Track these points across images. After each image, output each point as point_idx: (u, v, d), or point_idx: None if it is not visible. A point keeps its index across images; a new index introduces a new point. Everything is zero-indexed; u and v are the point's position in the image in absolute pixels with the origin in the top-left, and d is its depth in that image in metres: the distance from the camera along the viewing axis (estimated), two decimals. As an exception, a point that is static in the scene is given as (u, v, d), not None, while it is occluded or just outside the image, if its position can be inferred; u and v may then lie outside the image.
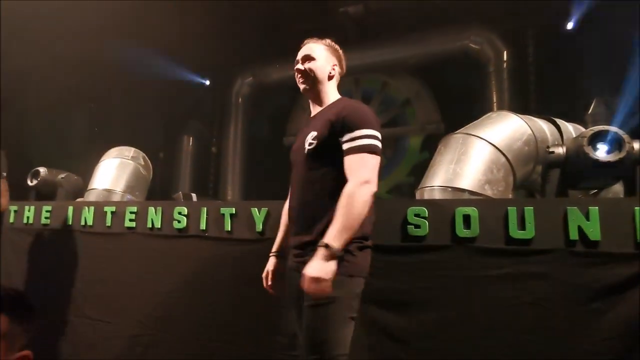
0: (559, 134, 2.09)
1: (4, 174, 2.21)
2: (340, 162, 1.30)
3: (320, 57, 1.48)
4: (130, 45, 4.69)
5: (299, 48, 1.55)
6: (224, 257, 2.19)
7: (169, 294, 2.27)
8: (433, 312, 1.73)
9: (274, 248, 1.61)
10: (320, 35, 1.58)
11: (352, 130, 1.29)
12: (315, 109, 1.51)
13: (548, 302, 1.58)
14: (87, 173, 3.37)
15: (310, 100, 1.53)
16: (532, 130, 2.02)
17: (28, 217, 2.85)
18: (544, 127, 2.10)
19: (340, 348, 1.26)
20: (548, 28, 4.69)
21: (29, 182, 3.27)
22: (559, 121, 2.22)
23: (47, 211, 2.80)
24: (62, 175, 3.32)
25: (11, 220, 2.92)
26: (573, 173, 1.83)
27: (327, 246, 1.19)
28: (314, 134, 1.36)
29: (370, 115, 1.35)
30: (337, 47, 1.54)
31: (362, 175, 1.25)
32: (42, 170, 3.27)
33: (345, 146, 1.30)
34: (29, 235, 2.83)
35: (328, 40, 1.54)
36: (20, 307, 0.80)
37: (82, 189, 3.26)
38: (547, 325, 1.57)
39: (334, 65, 1.50)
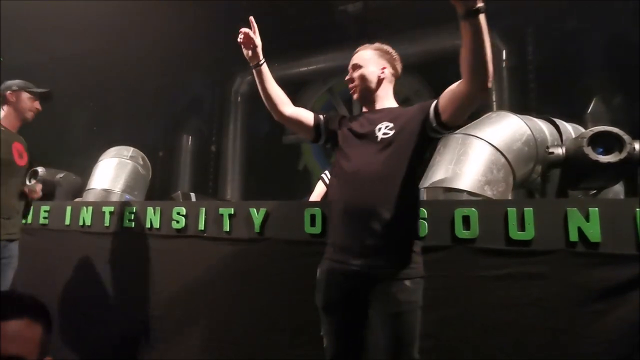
0: (559, 134, 2.09)
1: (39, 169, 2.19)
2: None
3: (370, 62, 1.49)
4: (130, 43, 4.67)
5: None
6: (223, 257, 2.19)
7: (168, 293, 2.27)
8: (432, 313, 1.72)
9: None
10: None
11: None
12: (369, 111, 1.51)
13: (548, 303, 1.57)
14: (85, 172, 3.36)
15: (363, 106, 1.53)
16: (531, 131, 2.01)
17: (26, 217, 2.85)
18: (544, 127, 2.09)
19: (417, 350, 1.30)
20: (547, 26, 4.67)
21: (27, 182, 3.26)
22: (558, 121, 2.22)
23: (45, 211, 2.80)
24: (61, 175, 3.31)
25: (10, 220, 2.91)
26: (573, 174, 1.82)
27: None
28: (389, 125, 1.36)
29: None
30: (387, 49, 1.54)
31: None
32: (41, 169, 3.26)
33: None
34: (27, 235, 2.81)
35: (377, 44, 1.53)
36: (46, 315, 0.82)
37: (80, 188, 3.25)
38: (547, 326, 1.56)
39: (383, 68, 1.50)
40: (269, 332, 1.96)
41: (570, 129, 2.17)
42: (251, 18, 1.50)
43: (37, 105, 2.11)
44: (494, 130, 2.02)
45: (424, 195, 1.99)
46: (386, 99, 1.50)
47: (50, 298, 2.58)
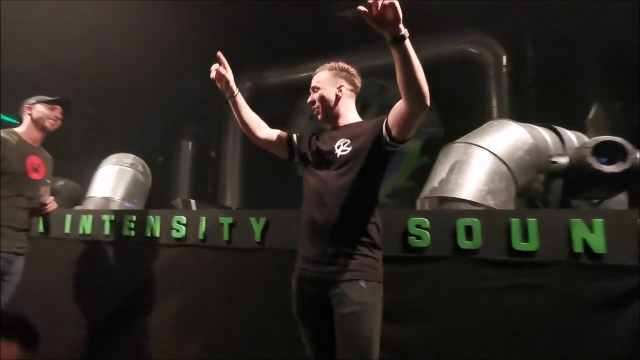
0: (561, 143, 2.08)
1: (48, 180, 2.19)
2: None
3: (326, 83, 1.57)
4: (127, 49, 4.67)
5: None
6: (223, 266, 2.17)
7: (167, 303, 2.25)
8: (434, 324, 1.71)
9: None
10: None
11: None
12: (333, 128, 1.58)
13: (551, 316, 1.56)
14: (85, 179, 3.35)
15: (328, 124, 1.59)
16: (533, 139, 2.00)
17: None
18: (546, 135, 2.08)
19: (377, 353, 1.33)
20: (546, 32, 4.69)
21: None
22: (560, 129, 2.21)
23: (44, 220, 2.77)
24: (61, 183, 3.30)
25: (8, 228, 2.89)
26: (576, 183, 1.81)
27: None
28: (347, 141, 1.44)
29: None
30: (342, 66, 1.60)
31: None
32: (40, 177, 3.24)
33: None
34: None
35: (332, 64, 1.60)
36: (28, 334, 0.82)
37: (80, 196, 3.23)
38: (550, 338, 1.55)
39: (340, 87, 1.57)
40: (269, 341, 1.94)
41: (572, 137, 2.16)
42: (219, 54, 1.61)
43: (56, 113, 2.12)
44: (496, 138, 2.01)
45: (425, 205, 1.98)
46: (348, 114, 1.57)
47: (48, 306, 2.56)
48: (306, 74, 5.78)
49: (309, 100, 1.60)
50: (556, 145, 2.09)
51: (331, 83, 1.57)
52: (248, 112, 1.70)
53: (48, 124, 2.09)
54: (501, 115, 4.46)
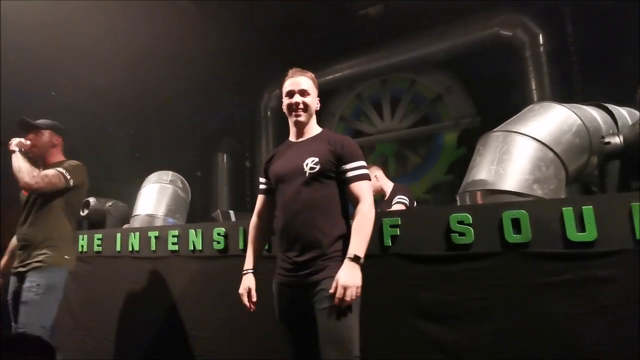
0: (613, 122, 1.90)
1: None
2: (334, 186, 1.50)
3: (313, 92, 1.61)
4: (162, 70, 4.88)
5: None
6: (264, 274, 2.19)
7: (215, 314, 2.30)
8: (488, 324, 1.62)
9: (251, 265, 1.66)
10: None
11: (354, 160, 1.51)
12: (298, 137, 1.62)
13: (619, 310, 1.42)
14: (131, 198, 3.52)
15: (296, 129, 1.62)
16: (582, 120, 1.85)
17: (82, 246, 3.02)
18: (595, 114, 1.92)
19: (358, 349, 1.38)
20: (586, 3, 4.36)
21: (81, 213, 3.47)
22: (611, 106, 2.03)
23: (98, 239, 2.94)
24: (109, 204, 3.49)
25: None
26: (634, 163, 1.65)
27: (356, 257, 1.38)
28: (314, 159, 1.49)
29: (359, 148, 1.57)
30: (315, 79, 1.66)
31: (370, 199, 1.49)
32: (92, 200, 3.45)
33: (350, 174, 1.50)
34: (85, 264, 2.98)
35: (310, 73, 1.64)
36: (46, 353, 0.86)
37: (128, 215, 3.40)
38: (620, 335, 1.41)
39: (318, 99, 1.64)
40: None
41: (625, 114, 1.97)
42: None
43: (28, 137, 2.18)
44: (538, 123, 1.87)
45: (466, 200, 1.88)
46: (313, 127, 1.62)
47: (106, 321, 2.71)
48: (331, 76, 5.80)
49: (293, 100, 1.58)
50: (608, 124, 1.91)
51: (314, 94, 1.61)
52: (262, 243, 1.75)
53: (25, 150, 2.14)
54: (542, 98, 4.20)
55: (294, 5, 4.73)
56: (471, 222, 1.66)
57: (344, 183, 1.51)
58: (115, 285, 2.76)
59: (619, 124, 1.92)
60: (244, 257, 2.26)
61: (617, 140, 1.69)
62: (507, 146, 1.80)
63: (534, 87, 4.38)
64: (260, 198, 1.71)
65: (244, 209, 6.09)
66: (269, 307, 2.10)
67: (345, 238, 1.47)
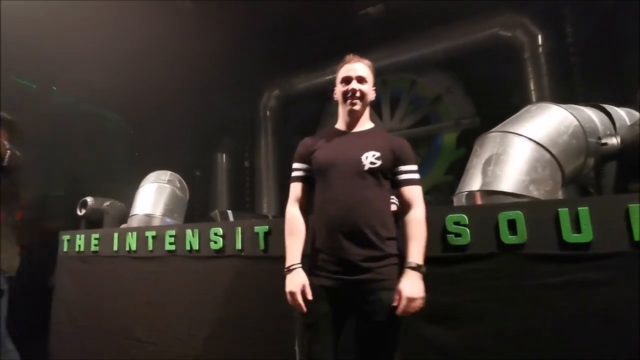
0: (611, 122, 1.90)
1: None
2: (388, 186, 1.45)
3: (370, 80, 1.50)
4: (161, 70, 4.88)
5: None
6: (261, 275, 2.18)
7: (212, 314, 2.30)
8: (485, 325, 1.62)
9: (298, 259, 1.45)
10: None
11: (411, 163, 1.46)
12: (350, 128, 1.52)
13: (614, 312, 1.42)
14: (129, 198, 3.52)
15: (349, 118, 1.51)
16: (578, 121, 1.84)
17: (79, 245, 3.02)
18: (593, 115, 1.91)
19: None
20: (586, 3, 4.34)
21: (78, 212, 3.46)
22: (609, 107, 2.02)
23: (95, 238, 2.95)
24: (107, 203, 3.48)
25: (65, 249, 3.10)
26: (632, 164, 1.64)
27: (419, 267, 1.35)
28: (376, 154, 1.41)
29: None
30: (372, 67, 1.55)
31: (423, 205, 1.44)
32: (90, 199, 3.45)
33: (405, 176, 1.45)
34: (81, 262, 2.99)
35: (369, 61, 1.53)
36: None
37: (126, 214, 3.39)
38: (619, 336, 1.41)
39: (374, 89, 1.54)
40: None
41: (623, 115, 1.97)
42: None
43: None
44: (535, 124, 1.87)
45: (462, 201, 1.88)
46: (366, 119, 1.54)
47: (103, 321, 2.71)
48: (331, 76, 5.78)
49: (349, 87, 1.46)
50: (605, 125, 1.91)
51: (371, 81, 1.50)
52: (305, 236, 1.52)
53: None
54: (542, 99, 4.19)
55: (294, 5, 4.72)
56: (467, 223, 1.66)
57: (395, 185, 1.45)
58: (112, 285, 2.76)
59: (617, 124, 1.91)
60: (241, 257, 2.29)
61: (614, 141, 1.69)
62: (504, 147, 1.80)
63: (532, 89, 4.38)
64: (297, 186, 1.52)
65: (243, 209, 6.09)
66: (267, 307, 2.11)
67: (395, 242, 1.41)
